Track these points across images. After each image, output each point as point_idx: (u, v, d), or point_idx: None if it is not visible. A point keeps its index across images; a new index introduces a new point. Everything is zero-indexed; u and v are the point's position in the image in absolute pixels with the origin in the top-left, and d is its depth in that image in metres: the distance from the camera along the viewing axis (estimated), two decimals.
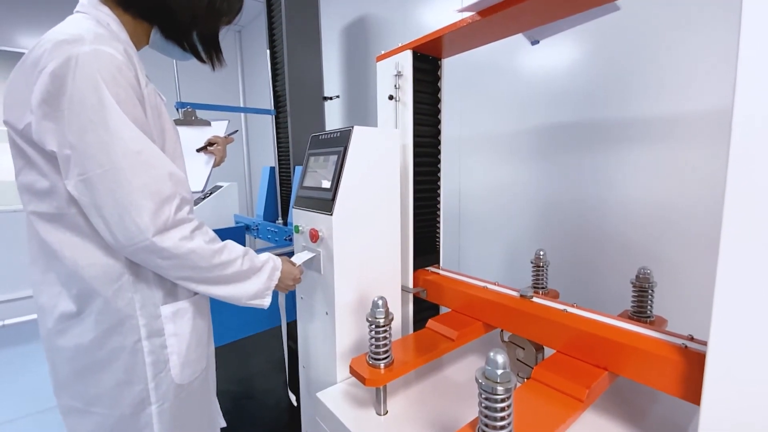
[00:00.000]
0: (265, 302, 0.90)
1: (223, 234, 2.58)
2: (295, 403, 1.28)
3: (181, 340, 0.82)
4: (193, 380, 0.86)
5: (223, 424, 1.02)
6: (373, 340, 0.90)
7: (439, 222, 1.38)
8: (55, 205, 0.70)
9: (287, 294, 2.02)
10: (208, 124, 1.36)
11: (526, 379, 0.88)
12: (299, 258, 1.09)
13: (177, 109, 1.99)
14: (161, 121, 0.79)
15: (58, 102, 0.63)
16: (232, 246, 0.83)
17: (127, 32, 0.77)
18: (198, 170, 1.27)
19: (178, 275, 0.76)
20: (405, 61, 1.22)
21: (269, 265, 0.91)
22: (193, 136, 1.31)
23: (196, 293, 0.86)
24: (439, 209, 1.38)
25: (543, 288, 1.25)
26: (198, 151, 1.29)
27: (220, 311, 1.74)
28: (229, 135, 1.37)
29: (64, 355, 0.75)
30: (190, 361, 0.85)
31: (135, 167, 0.67)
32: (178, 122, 1.34)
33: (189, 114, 1.34)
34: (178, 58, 0.90)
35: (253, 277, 0.87)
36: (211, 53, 0.89)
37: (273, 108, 2.48)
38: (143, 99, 0.73)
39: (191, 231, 0.74)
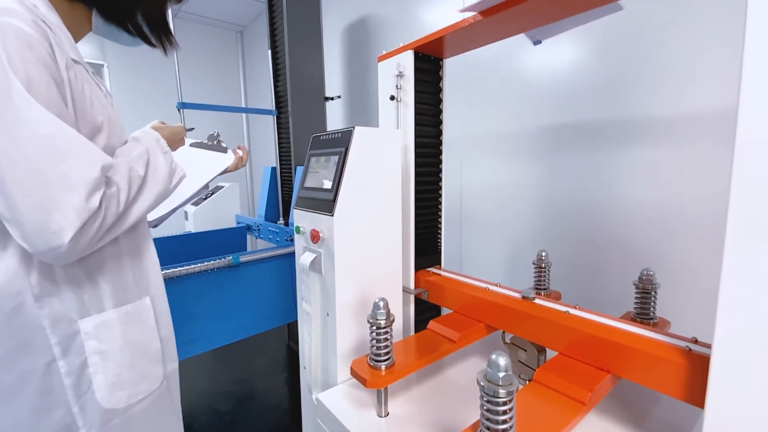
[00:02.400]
0: (178, 173, 0.82)
1: (224, 234, 2.60)
2: None
3: (107, 358, 0.72)
4: (133, 405, 0.76)
5: None
6: (374, 341, 0.90)
7: (440, 222, 1.38)
8: None
9: (288, 294, 2.03)
10: (224, 150, 1.29)
11: (528, 381, 0.88)
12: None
13: (178, 110, 1.99)
14: (94, 112, 0.70)
15: None
16: (123, 168, 0.70)
17: (58, 15, 0.70)
18: (203, 171, 1.21)
19: (116, 227, 0.68)
20: (406, 61, 1.21)
21: (150, 143, 0.79)
22: (203, 162, 1.24)
23: (127, 303, 0.78)
24: (440, 210, 1.37)
25: (545, 289, 1.24)
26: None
27: (220, 312, 1.74)
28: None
29: None
30: (124, 381, 0.74)
31: (49, 155, 0.57)
32: (195, 145, 1.28)
33: (213, 138, 1.27)
34: (125, 43, 0.82)
35: (152, 168, 0.76)
36: (161, 35, 0.82)
37: (274, 108, 2.48)
38: (62, 82, 0.63)
39: (103, 211, 0.65)
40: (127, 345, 0.75)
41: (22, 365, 0.66)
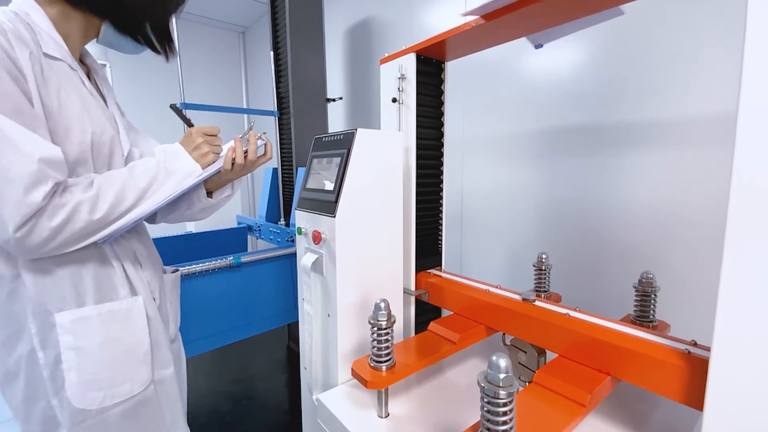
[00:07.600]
0: (194, 176, 0.80)
1: (225, 235, 2.60)
2: None
3: (83, 355, 0.71)
4: (109, 407, 0.74)
5: None
6: (375, 342, 0.90)
7: (441, 224, 1.38)
8: None
9: (289, 295, 2.03)
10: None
11: (528, 383, 0.88)
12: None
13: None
14: (62, 110, 0.69)
15: None
16: (114, 178, 0.71)
17: (50, 20, 0.71)
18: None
19: (87, 233, 0.67)
20: (408, 63, 1.22)
21: (160, 159, 0.79)
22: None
23: (115, 299, 0.77)
24: (441, 211, 1.38)
25: (545, 291, 1.24)
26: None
27: (220, 312, 1.75)
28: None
29: None
30: (100, 381, 0.73)
31: None
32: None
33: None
34: (128, 51, 0.88)
35: (162, 178, 0.76)
36: (164, 43, 0.88)
37: (276, 109, 2.49)
38: (22, 75, 0.63)
39: (70, 206, 0.65)
40: (108, 343, 0.74)
41: (18, 350, 0.69)
